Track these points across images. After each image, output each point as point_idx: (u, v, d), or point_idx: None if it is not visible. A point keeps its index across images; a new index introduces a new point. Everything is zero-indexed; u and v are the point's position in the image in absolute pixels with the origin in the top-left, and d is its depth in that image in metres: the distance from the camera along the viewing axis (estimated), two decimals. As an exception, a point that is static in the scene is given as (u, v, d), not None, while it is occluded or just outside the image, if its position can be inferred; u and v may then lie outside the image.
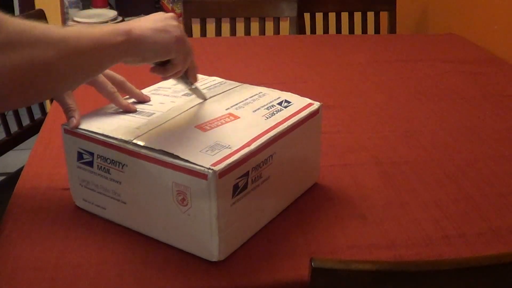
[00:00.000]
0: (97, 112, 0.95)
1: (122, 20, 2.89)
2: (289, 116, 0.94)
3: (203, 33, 2.12)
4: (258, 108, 0.95)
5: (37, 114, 1.81)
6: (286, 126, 0.91)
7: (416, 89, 1.49)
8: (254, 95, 0.99)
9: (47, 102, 1.91)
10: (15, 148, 1.72)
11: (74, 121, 0.89)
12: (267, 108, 0.95)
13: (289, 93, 1.01)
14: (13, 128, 1.72)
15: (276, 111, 0.95)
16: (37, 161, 1.07)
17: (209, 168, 0.77)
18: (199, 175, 0.78)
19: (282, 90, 1.04)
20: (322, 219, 0.94)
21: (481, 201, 1.00)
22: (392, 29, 2.23)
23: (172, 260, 0.84)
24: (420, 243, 0.89)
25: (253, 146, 0.84)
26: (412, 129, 1.27)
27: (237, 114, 0.93)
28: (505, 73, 1.64)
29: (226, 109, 0.94)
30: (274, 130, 0.89)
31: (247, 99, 0.98)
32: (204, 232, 0.81)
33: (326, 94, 1.45)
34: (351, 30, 2.18)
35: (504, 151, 1.18)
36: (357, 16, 2.20)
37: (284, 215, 0.95)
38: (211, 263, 0.83)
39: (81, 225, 0.91)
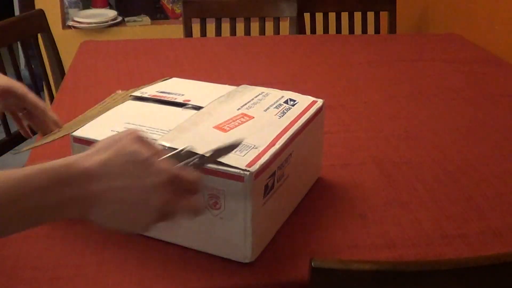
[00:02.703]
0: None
1: (122, 20, 2.89)
2: (300, 114, 0.94)
3: (203, 33, 2.12)
4: (268, 107, 0.95)
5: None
6: (300, 124, 0.92)
7: (416, 89, 1.49)
8: (258, 95, 1.00)
9: (47, 102, 1.91)
10: (15, 148, 1.72)
11: None
12: (276, 107, 0.96)
13: (289, 92, 1.01)
14: (13, 128, 1.71)
15: (285, 109, 0.95)
16: (37, 161, 1.07)
17: (245, 170, 0.77)
18: (235, 177, 0.78)
19: (282, 90, 1.04)
20: (322, 219, 0.94)
21: (481, 201, 1.00)
22: (392, 29, 2.23)
23: (172, 260, 0.84)
24: (420, 243, 0.89)
25: (278, 145, 0.84)
26: (412, 129, 1.27)
27: (250, 114, 0.93)
28: (505, 73, 1.64)
29: (238, 109, 0.94)
30: (291, 129, 0.89)
31: (253, 99, 0.98)
32: (238, 234, 0.81)
33: (326, 94, 1.44)
34: (351, 30, 2.18)
35: (504, 151, 1.18)
36: (357, 16, 2.20)
37: (284, 215, 0.95)
38: (210, 263, 0.83)
39: (81, 225, 0.91)
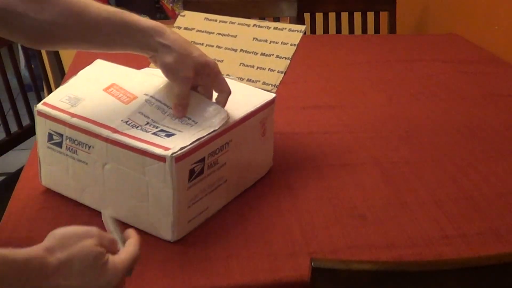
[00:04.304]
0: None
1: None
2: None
3: (203, 33, 2.12)
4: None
5: (37, 114, 1.81)
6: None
7: (416, 89, 1.49)
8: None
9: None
10: (15, 148, 1.72)
11: None
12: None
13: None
14: (13, 128, 1.72)
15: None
16: (37, 161, 1.07)
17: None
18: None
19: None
20: (322, 219, 0.94)
21: (481, 201, 1.00)
22: (392, 29, 2.23)
23: (172, 259, 0.84)
24: (420, 243, 0.89)
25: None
26: (412, 129, 1.27)
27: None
28: (505, 73, 1.64)
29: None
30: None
31: None
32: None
33: (326, 94, 1.45)
34: (351, 30, 2.18)
35: (504, 151, 1.18)
36: (357, 16, 2.20)
37: (283, 215, 0.95)
38: (211, 263, 0.83)
39: (81, 224, 0.90)
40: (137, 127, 0.87)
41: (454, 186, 1.05)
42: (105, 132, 0.86)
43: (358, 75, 1.60)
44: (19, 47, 1.87)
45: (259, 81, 1.03)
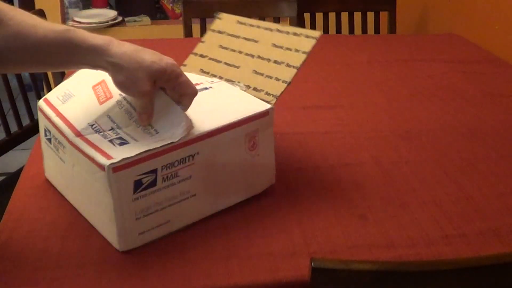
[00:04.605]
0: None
1: (122, 20, 2.89)
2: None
3: (203, 33, 2.11)
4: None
5: (37, 115, 1.81)
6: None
7: (416, 89, 1.49)
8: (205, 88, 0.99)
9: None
10: (15, 148, 1.72)
11: None
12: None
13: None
14: (13, 128, 1.72)
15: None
16: (37, 161, 1.07)
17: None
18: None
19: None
20: (322, 219, 0.94)
21: (481, 201, 1.00)
22: (392, 29, 2.23)
23: (172, 259, 0.84)
24: (420, 243, 0.89)
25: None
26: (412, 129, 1.27)
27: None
28: (505, 73, 1.64)
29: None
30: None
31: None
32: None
33: (326, 94, 1.45)
34: (351, 30, 2.18)
35: (504, 151, 1.18)
36: (357, 16, 2.20)
37: (283, 215, 0.95)
38: (211, 263, 0.83)
39: (81, 224, 0.91)
40: (100, 132, 0.85)
41: (454, 186, 1.05)
42: (70, 135, 0.86)
43: (358, 75, 1.60)
44: (19, 47, 1.87)
45: (263, 91, 0.99)
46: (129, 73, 0.82)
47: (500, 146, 1.20)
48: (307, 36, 1.04)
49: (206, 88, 0.99)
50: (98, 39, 0.82)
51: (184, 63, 1.11)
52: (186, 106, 0.87)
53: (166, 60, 0.84)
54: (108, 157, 0.80)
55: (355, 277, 0.70)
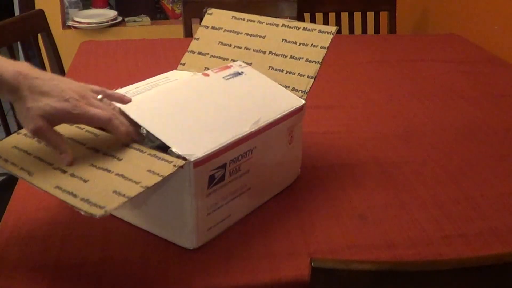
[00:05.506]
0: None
1: (122, 20, 2.90)
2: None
3: (203, 33, 2.12)
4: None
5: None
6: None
7: (416, 89, 1.49)
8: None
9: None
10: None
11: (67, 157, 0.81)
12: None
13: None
14: (13, 128, 1.72)
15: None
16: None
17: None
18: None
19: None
20: (322, 219, 0.94)
21: (481, 201, 1.00)
22: (392, 29, 2.23)
23: (172, 259, 0.84)
24: (420, 243, 0.89)
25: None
26: (412, 129, 1.27)
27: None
28: (505, 73, 1.64)
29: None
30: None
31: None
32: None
33: (326, 94, 1.45)
34: (351, 30, 2.18)
35: (504, 151, 1.18)
36: (357, 16, 2.20)
37: (283, 215, 0.95)
38: (211, 263, 0.83)
39: (81, 224, 0.91)
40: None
41: (454, 186, 1.05)
42: None
43: (358, 75, 1.60)
44: (19, 47, 1.87)
45: (289, 87, 1.00)
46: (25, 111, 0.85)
47: (500, 146, 1.20)
48: (321, 31, 1.04)
49: (239, 73, 1.00)
50: (8, 74, 0.84)
51: (182, 61, 1.11)
52: (117, 129, 0.83)
53: (68, 101, 0.83)
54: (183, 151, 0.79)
55: (355, 277, 0.70)
